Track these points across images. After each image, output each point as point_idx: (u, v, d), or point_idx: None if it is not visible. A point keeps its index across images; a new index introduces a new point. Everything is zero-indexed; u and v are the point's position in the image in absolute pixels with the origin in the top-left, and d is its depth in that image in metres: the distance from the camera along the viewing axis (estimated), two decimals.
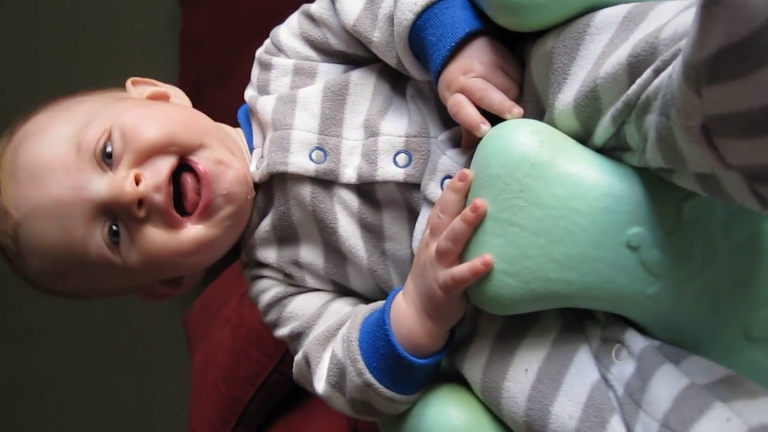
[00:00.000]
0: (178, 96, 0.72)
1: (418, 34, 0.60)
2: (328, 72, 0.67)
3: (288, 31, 0.69)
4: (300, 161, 0.64)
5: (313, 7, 0.68)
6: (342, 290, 0.69)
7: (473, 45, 0.59)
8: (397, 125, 0.64)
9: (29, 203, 0.62)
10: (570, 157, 0.53)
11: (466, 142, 0.60)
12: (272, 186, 0.66)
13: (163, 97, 0.71)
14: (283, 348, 1.21)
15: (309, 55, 0.67)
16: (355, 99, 0.65)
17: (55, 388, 1.77)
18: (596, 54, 0.52)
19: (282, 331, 0.69)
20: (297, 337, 0.68)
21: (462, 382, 0.62)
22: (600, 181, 0.52)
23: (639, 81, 0.47)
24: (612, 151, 0.54)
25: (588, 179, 0.52)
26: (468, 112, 0.57)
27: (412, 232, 0.64)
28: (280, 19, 1.39)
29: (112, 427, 1.72)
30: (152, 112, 0.65)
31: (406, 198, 0.64)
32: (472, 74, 0.58)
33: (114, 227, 0.62)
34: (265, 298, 0.69)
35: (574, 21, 0.55)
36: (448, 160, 0.60)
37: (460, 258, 0.56)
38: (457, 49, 0.58)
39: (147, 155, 0.62)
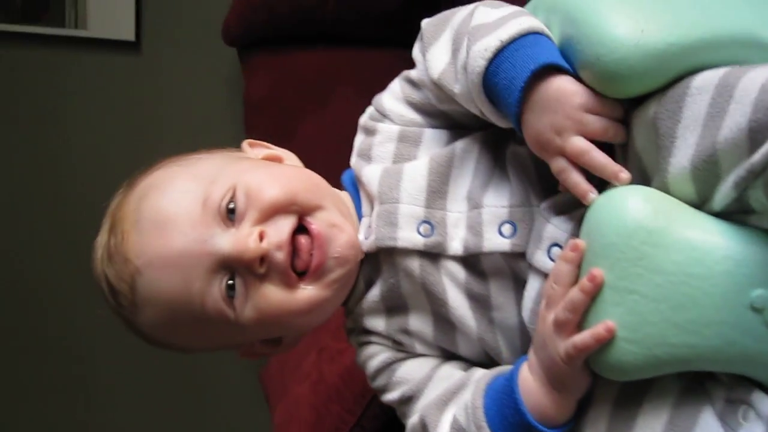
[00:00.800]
0: (291, 159, 0.74)
1: (491, 81, 0.60)
2: (433, 139, 0.68)
3: (391, 97, 0.70)
4: (409, 236, 0.65)
5: (412, 72, 0.69)
6: (449, 355, 0.70)
7: (552, 85, 0.58)
8: (500, 196, 0.65)
9: (152, 252, 0.64)
10: (685, 223, 0.54)
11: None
12: (378, 257, 0.68)
13: (278, 160, 0.73)
14: (363, 403, 1.21)
15: (414, 119, 0.69)
16: (459, 172, 0.66)
17: None
18: (701, 115, 0.53)
19: (391, 396, 0.70)
20: (407, 401, 0.69)
21: None
22: (718, 244, 0.53)
23: (764, 150, 0.47)
24: (733, 214, 0.54)
25: (705, 244, 0.53)
26: (575, 181, 0.58)
27: (518, 300, 0.64)
28: (336, 78, 1.42)
29: None
30: (274, 172, 0.67)
31: (512, 267, 0.64)
32: (567, 134, 0.58)
33: (231, 282, 0.64)
34: (374, 364, 0.71)
35: (674, 84, 0.56)
36: (553, 228, 0.61)
37: (579, 328, 0.56)
38: (532, 89, 0.58)
39: (270, 213, 0.64)
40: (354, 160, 0.71)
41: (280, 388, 1.44)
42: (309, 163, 1.40)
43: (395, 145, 0.68)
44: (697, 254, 0.53)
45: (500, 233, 0.64)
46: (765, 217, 0.51)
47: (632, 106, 0.59)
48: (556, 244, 0.60)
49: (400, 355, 0.70)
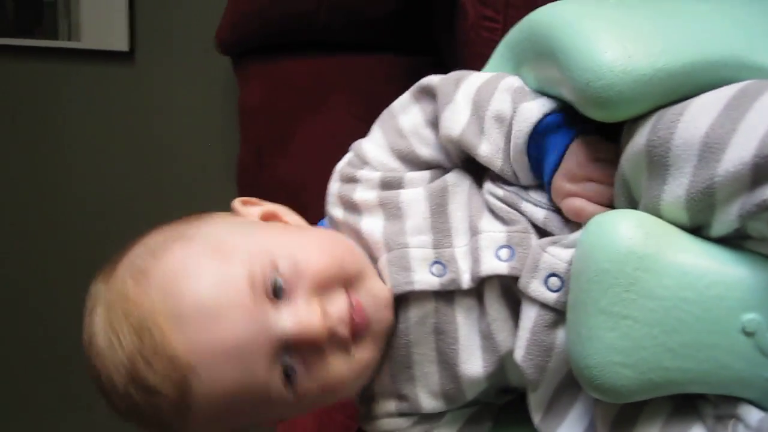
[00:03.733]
0: (288, 214, 0.72)
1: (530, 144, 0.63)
2: (414, 179, 0.68)
3: (373, 144, 0.70)
4: (424, 278, 0.65)
5: (402, 121, 0.69)
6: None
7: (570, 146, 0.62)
8: (496, 221, 0.65)
9: (206, 347, 0.58)
10: (677, 247, 0.54)
11: None
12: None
13: (275, 217, 0.71)
14: None
15: (395, 167, 0.68)
16: (456, 206, 0.66)
17: None
18: (696, 144, 0.53)
19: None
20: None
21: None
22: (709, 268, 0.53)
23: None
24: (729, 240, 0.54)
25: (696, 268, 0.53)
26: (593, 212, 0.59)
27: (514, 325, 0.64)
28: (330, 84, 1.42)
29: None
30: (311, 238, 0.65)
31: (510, 294, 0.64)
32: (578, 179, 0.61)
33: (289, 362, 0.61)
34: None
35: (666, 108, 0.56)
36: (550, 257, 0.61)
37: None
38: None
39: (322, 285, 0.62)
40: (338, 212, 0.69)
41: None
42: (306, 169, 1.40)
43: (378, 193, 0.67)
44: (688, 279, 0.53)
45: (497, 257, 0.64)
46: (762, 244, 0.52)
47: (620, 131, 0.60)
48: (554, 274, 0.60)
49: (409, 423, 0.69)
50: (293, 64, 1.49)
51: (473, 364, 0.66)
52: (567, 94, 0.60)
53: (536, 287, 0.61)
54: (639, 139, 0.56)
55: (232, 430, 0.66)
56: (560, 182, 0.61)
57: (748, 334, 0.52)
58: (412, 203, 0.67)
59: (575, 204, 0.60)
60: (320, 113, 1.43)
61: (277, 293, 0.60)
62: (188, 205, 0.74)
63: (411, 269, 0.65)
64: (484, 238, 0.64)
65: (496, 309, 0.64)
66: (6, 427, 1.85)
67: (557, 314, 0.61)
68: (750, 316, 0.52)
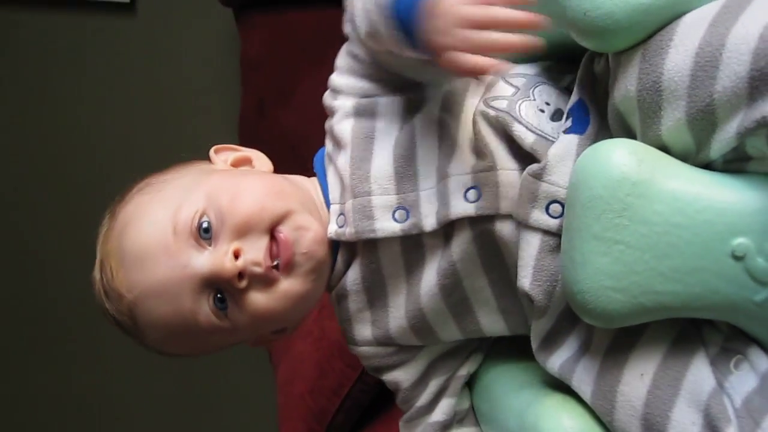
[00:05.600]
0: (260, 159, 0.76)
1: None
2: (387, 108, 0.69)
3: (339, 73, 0.71)
4: (386, 225, 0.67)
5: (350, 44, 0.70)
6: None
7: None
8: (463, 163, 0.66)
9: (140, 286, 0.68)
10: (669, 174, 0.55)
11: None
12: (356, 243, 0.69)
13: (246, 162, 0.75)
14: None
15: (364, 87, 0.69)
16: (424, 151, 0.67)
17: (143, 406, 1.83)
18: (687, 65, 0.53)
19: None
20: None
21: (571, 393, 0.64)
22: (700, 194, 0.54)
23: None
24: (730, 162, 0.55)
25: (688, 194, 0.54)
26: (471, 60, 0.56)
27: (484, 267, 0.67)
28: (333, 36, 1.41)
29: None
30: (240, 185, 0.69)
31: (479, 233, 0.66)
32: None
33: (219, 295, 0.67)
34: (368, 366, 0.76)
35: (656, 34, 0.56)
36: (548, 186, 0.61)
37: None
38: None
39: (244, 229, 0.66)
40: (328, 146, 0.72)
41: (283, 346, 1.47)
42: (308, 121, 1.40)
43: (353, 122, 0.69)
44: (679, 204, 0.54)
45: (465, 199, 0.65)
46: (761, 163, 0.52)
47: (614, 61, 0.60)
48: (556, 201, 0.61)
49: (388, 362, 0.74)
50: (296, 15, 1.48)
51: (432, 298, 0.68)
52: (562, 24, 0.59)
53: (537, 216, 0.62)
54: (629, 83, 0.57)
55: (192, 351, 0.74)
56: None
57: (738, 258, 0.53)
58: (381, 141, 0.68)
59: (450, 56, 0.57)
60: (323, 65, 1.42)
61: (204, 236, 0.67)
62: (189, 158, 0.77)
63: (373, 217, 0.67)
64: (452, 181, 0.65)
65: (463, 249, 0.66)
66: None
67: (560, 239, 0.61)
68: (739, 241, 0.53)
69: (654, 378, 0.57)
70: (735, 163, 0.55)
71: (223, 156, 0.76)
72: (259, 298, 0.67)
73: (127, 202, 0.72)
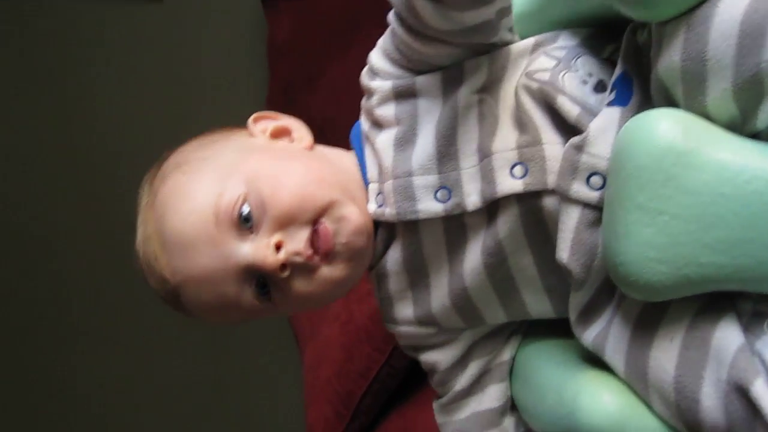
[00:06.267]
0: (300, 129, 0.75)
1: None
2: (427, 86, 0.67)
3: (378, 53, 0.69)
4: (428, 206, 0.67)
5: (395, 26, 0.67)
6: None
7: None
8: (507, 140, 0.65)
9: (182, 273, 0.69)
10: (715, 144, 0.54)
11: None
12: (396, 224, 0.69)
13: (285, 133, 0.74)
14: (392, 342, 1.23)
15: (399, 73, 0.68)
16: (465, 128, 0.66)
17: (172, 391, 1.84)
18: (735, 33, 0.52)
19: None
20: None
21: (608, 370, 0.63)
22: (748, 164, 0.53)
23: None
24: None
25: (735, 164, 0.53)
26: None
27: (532, 245, 0.66)
28: (361, 18, 1.41)
29: (231, 428, 1.78)
30: (282, 172, 0.69)
31: (526, 210, 0.65)
32: None
33: (262, 282, 0.68)
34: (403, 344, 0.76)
35: (702, 3, 0.55)
36: (589, 157, 0.61)
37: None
38: None
39: (285, 222, 0.67)
40: (365, 125, 0.71)
41: (310, 330, 1.47)
42: (336, 106, 1.39)
43: (394, 106, 0.68)
44: (727, 174, 0.53)
45: (512, 175, 0.64)
46: None
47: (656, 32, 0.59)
48: (596, 173, 0.60)
49: (427, 342, 0.74)
50: (323, 0, 1.48)
51: (477, 277, 0.68)
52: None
53: (578, 188, 0.61)
54: (673, 53, 0.56)
55: (235, 322, 0.76)
56: None
57: None
58: (424, 120, 0.67)
59: None
60: (351, 49, 1.42)
61: (245, 225, 0.67)
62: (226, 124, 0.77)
63: (415, 198, 0.67)
64: (497, 158, 0.65)
65: (509, 227, 0.66)
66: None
67: (600, 213, 0.60)
68: None
69: (683, 340, 0.57)
70: None
71: (262, 125, 0.75)
72: (301, 284, 0.68)
73: (165, 178, 0.71)
